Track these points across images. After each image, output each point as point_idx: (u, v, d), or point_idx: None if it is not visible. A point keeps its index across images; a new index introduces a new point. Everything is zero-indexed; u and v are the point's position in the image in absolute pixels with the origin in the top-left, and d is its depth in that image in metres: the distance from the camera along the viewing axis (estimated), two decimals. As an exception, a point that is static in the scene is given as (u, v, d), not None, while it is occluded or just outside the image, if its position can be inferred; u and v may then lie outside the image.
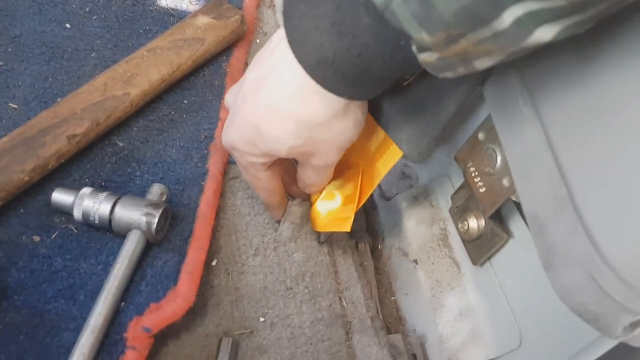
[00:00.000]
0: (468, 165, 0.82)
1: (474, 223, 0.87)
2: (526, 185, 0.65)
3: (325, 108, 0.63)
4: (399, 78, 0.64)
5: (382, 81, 0.61)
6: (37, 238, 0.78)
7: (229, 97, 0.79)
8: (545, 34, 0.46)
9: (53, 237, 0.79)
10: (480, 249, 0.89)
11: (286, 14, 0.58)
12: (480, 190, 0.80)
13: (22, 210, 0.80)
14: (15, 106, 0.88)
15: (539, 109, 0.63)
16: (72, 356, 0.68)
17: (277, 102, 0.63)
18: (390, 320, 1.02)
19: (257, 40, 1.15)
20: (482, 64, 0.53)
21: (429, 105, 0.77)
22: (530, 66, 0.65)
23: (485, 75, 0.71)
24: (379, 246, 1.09)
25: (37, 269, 0.75)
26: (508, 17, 0.45)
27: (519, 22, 0.45)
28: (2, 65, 0.91)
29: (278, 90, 0.63)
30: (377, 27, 0.51)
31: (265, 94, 0.64)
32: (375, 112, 0.83)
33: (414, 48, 0.52)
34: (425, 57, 0.52)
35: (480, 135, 0.80)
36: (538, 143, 0.62)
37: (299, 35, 0.56)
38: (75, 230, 0.80)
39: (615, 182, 0.55)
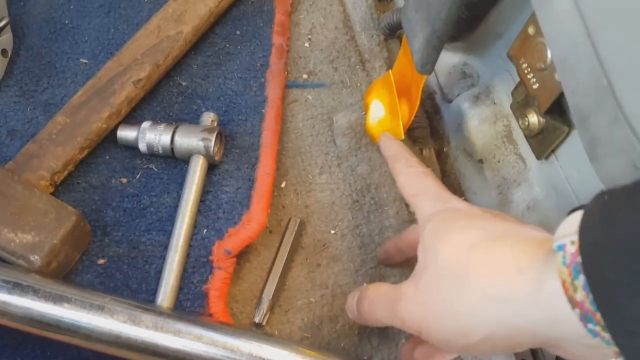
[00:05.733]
0: (521, 62, 0.81)
1: (534, 118, 0.86)
2: (569, 77, 0.63)
3: None
4: None
5: None
6: (124, 180, 0.87)
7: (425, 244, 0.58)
8: None
9: (138, 177, 0.88)
10: (543, 143, 0.88)
11: (600, 285, 0.40)
12: (534, 86, 0.79)
13: (107, 157, 0.89)
14: (86, 61, 0.95)
15: (578, 0, 0.61)
16: (164, 272, 0.78)
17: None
18: (461, 219, 1.05)
19: (301, -45, 1.14)
20: None
21: (430, 15, 0.75)
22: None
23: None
24: (445, 149, 1.10)
25: (129, 207, 0.85)
26: None
27: None
28: (68, 24, 0.98)
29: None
30: None
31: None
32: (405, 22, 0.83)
33: None
34: None
35: (530, 30, 0.77)
36: (578, 34, 0.60)
37: (627, 319, 0.39)
38: (155, 169, 0.89)
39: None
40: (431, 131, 1.11)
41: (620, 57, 0.57)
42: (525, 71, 0.80)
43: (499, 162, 0.99)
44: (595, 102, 0.60)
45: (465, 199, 1.07)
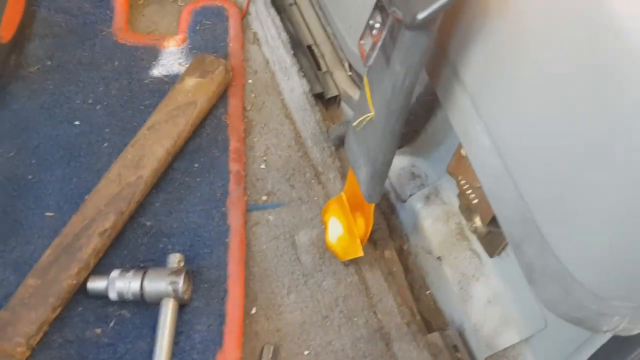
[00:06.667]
0: (459, 179, 0.87)
1: (480, 223, 0.92)
2: (498, 207, 0.69)
3: None
4: None
5: None
6: (98, 330, 0.90)
7: None
8: None
9: (111, 325, 0.90)
10: (492, 243, 0.94)
11: None
12: (474, 201, 0.85)
13: (80, 309, 0.91)
14: (51, 214, 0.99)
15: (495, 137, 0.67)
16: None
17: None
18: (429, 314, 1.09)
19: (250, 81, 1.21)
20: None
21: (370, 154, 0.81)
22: (487, 100, 0.68)
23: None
24: (405, 247, 1.15)
25: (105, 358, 0.87)
26: None
27: None
28: (31, 179, 1.02)
29: None
30: None
31: None
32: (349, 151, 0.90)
33: None
34: None
35: (463, 151, 0.84)
36: (499, 170, 0.67)
37: None
38: (128, 314, 0.91)
39: (570, 208, 0.59)
40: (390, 230, 1.16)
41: (539, 194, 0.63)
42: (464, 187, 0.86)
43: (456, 258, 1.05)
44: (524, 232, 0.66)
45: (431, 294, 1.11)
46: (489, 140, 0.68)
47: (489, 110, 0.67)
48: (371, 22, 0.63)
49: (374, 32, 0.62)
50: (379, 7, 0.61)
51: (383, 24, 0.61)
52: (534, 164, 0.63)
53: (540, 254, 0.64)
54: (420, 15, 0.53)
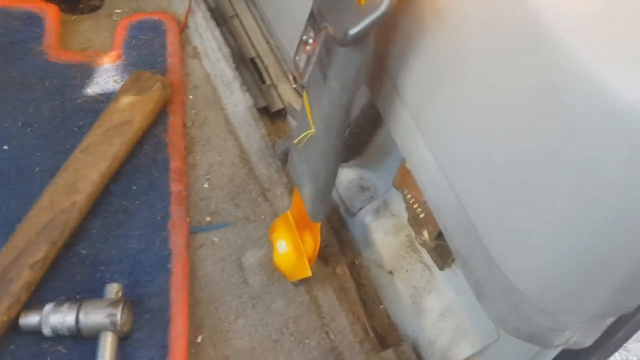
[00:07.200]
0: (405, 193, 0.85)
1: (427, 236, 0.91)
2: (443, 221, 0.68)
3: None
4: None
5: None
6: (32, 370, 0.84)
7: None
8: None
9: (46, 363, 0.85)
10: (442, 255, 0.93)
11: None
12: (420, 215, 0.83)
13: (12, 347, 0.85)
14: (-21, 246, 0.92)
15: (436, 152, 0.66)
16: None
17: None
18: (383, 329, 1.07)
19: (190, 96, 1.17)
20: None
21: (312, 171, 0.79)
22: (426, 115, 0.67)
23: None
24: (357, 261, 1.13)
25: (40, 399, 0.81)
26: None
27: None
28: (-44, 208, 0.95)
29: None
30: None
31: None
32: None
33: None
34: None
35: (408, 165, 0.82)
36: (442, 184, 0.65)
37: None
38: (64, 350, 0.86)
39: (511, 222, 0.58)
40: (341, 244, 1.14)
41: (480, 208, 0.62)
42: (411, 201, 0.84)
43: (407, 271, 1.03)
44: (469, 247, 0.64)
45: (385, 309, 1.09)
46: (430, 154, 0.66)
47: (429, 125, 0.65)
48: (304, 37, 0.61)
49: (308, 47, 0.60)
50: (312, 22, 0.59)
51: (316, 38, 0.59)
52: (475, 178, 0.61)
53: (486, 269, 0.62)
54: (352, 31, 0.51)
